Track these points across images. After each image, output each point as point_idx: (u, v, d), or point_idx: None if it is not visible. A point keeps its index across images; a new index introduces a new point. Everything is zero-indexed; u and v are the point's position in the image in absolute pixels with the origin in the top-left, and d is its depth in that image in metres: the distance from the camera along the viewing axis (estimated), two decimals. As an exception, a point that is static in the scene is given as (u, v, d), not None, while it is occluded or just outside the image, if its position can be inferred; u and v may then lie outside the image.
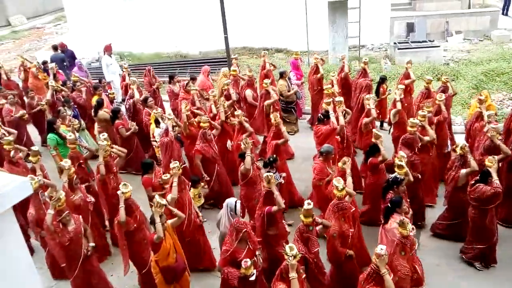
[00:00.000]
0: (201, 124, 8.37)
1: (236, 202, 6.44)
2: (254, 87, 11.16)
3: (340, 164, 6.84)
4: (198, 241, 7.13)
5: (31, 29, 26.63)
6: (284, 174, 7.86)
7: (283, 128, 8.26)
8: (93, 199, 7.56)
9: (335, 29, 15.37)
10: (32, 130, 11.49)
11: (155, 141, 9.53)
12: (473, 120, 8.47)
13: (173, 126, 8.64)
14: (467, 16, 17.50)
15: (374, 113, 8.61)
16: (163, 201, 5.85)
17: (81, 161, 8.19)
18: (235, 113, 8.95)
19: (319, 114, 8.63)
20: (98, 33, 19.05)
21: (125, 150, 8.62)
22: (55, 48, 15.12)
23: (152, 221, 5.80)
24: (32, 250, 7.79)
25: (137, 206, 6.58)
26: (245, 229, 5.62)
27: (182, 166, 7.00)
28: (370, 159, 7.47)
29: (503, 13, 18.63)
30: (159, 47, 18.99)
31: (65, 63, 14.44)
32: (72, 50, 15.48)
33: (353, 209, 6.25)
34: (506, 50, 15.46)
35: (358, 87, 10.36)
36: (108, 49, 13.72)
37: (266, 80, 10.24)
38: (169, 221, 6.05)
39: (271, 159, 7.65)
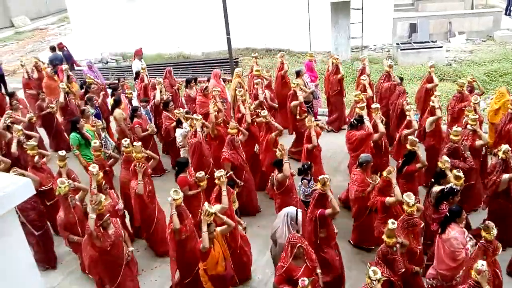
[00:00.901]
0: (229, 131, 8.09)
1: (297, 211, 6.12)
2: (272, 88, 11.08)
3: (385, 173, 6.43)
4: (243, 250, 6.80)
5: (35, 30, 26.71)
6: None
7: (313, 133, 7.94)
8: (122, 206, 7.43)
9: (337, 30, 15.37)
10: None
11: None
12: (505, 121, 8.10)
13: (201, 127, 8.44)
14: (470, 17, 17.46)
15: (415, 125, 8.12)
16: (212, 209, 5.59)
17: (106, 169, 8.05)
18: (261, 113, 8.69)
19: (352, 120, 8.24)
20: (101, 34, 19.15)
21: (157, 156, 8.36)
22: (52, 49, 15.15)
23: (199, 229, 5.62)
24: (54, 260, 7.76)
25: (187, 213, 6.34)
26: (299, 244, 5.30)
27: (227, 175, 6.62)
28: (406, 167, 7.12)
29: (506, 14, 18.61)
30: (162, 48, 19.02)
31: (63, 63, 14.39)
32: (69, 51, 15.49)
33: (423, 224, 5.97)
34: (509, 50, 15.43)
35: (384, 91, 10.00)
36: (138, 53, 13.36)
37: (295, 81, 10.04)
38: (218, 229, 5.84)
39: (305, 166, 7.38)
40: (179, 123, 9.17)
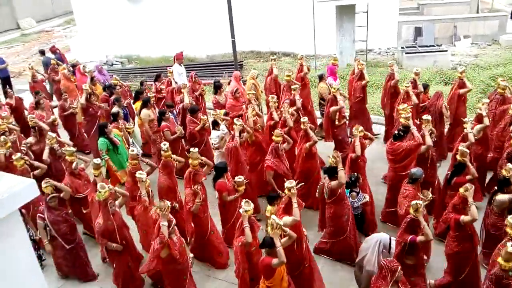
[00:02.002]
0: (274, 138, 7.73)
1: (390, 238, 5.92)
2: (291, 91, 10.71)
3: (461, 190, 6.12)
4: (307, 268, 6.35)
5: (41, 32, 26.88)
6: (367, 197, 7.40)
7: (357, 142, 7.54)
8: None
9: (342, 33, 15.37)
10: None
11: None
12: None
13: (240, 132, 8.13)
14: (475, 21, 17.43)
15: (472, 138, 7.61)
16: (281, 222, 5.28)
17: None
18: (301, 119, 8.28)
19: (397, 131, 7.77)
20: (107, 36, 19.25)
21: (183, 160, 8.11)
22: (42, 52, 15.21)
23: (268, 244, 5.29)
24: (91, 274, 7.41)
25: (258, 225, 6.11)
26: (400, 268, 5.08)
27: (298, 186, 6.17)
28: (455, 178, 6.95)
29: (511, 18, 18.53)
30: (167, 50, 19.04)
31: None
32: (62, 54, 15.47)
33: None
34: (514, 54, 15.37)
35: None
36: (179, 58, 12.84)
37: (334, 85, 9.69)
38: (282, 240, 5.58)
39: (353, 178, 7.07)
40: (215, 125, 9.02)
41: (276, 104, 9.28)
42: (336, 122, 9.20)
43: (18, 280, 2.98)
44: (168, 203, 5.97)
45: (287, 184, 5.99)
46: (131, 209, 7.48)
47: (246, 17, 16.52)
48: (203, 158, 7.47)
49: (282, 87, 10.75)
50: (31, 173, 7.86)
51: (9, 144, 8.24)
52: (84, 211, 7.79)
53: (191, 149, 7.24)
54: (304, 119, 8.24)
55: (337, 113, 9.13)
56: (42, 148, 8.61)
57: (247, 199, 5.95)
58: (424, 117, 7.81)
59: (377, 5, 15.32)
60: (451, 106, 9.59)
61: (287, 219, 5.80)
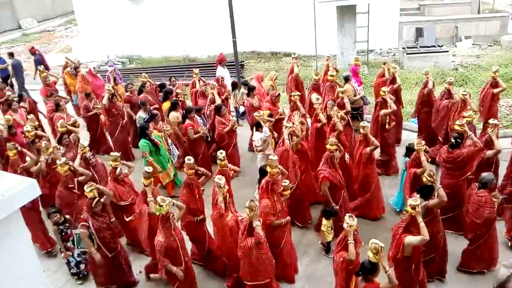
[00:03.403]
0: (328, 147, 7.21)
1: None
2: (320, 91, 10.39)
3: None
4: None
5: (42, 32, 26.93)
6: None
7: (423, 157, 7.03)
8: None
9: (343, 34, 15.36)
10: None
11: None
12: None
13: (289, 136, 7.80)
14: (477, 21, 17.41)
15: (497, 145, 7.33)
16: (381, 244, 4.90)
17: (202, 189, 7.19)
18: (361, 124, 7.84)
19: (453, 139, 7.33)
20: (108, 36, 19.27)
21: (209, 173, 7.50)
22: (11, 54, 15.02)
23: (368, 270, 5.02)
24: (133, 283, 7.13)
25: (360, 241, 5.74)
26: None
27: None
28: None
29: (513, 18, 18.55)
30: (168, 50, 19.11)
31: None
32: (41, 55, 15.26)
33: None
34: (515, 55, 15.36)
35: (442, 108, 9.22)
36: (223, 60, 12.47)
37: (384, 88, 9.21)
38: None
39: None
40: (258, 127, 8.80)
41: (322, 105, 8.86)
42: (387, 126, 8.96)
43: (19, 281, 2.98)
44: (256, 202, 5.85)
45: (411, 202, 5.53)
46: (187, 225, 6.96)
47: (247, 18, 16.53)
48: (202, 168, 7.24)
49: (323, 87, 10.36)
50: (75, 179, 7.45)
51: (50, 149, 7.89)
52: (127, 219, 7.41)
53: (219, 153, 7.08)
54: (364, 123, 7.82)
55: (387, 117, 8.88)
56: (73, 157, 8.21)
57: (350, 214, 5.63)
58: (491, 121, 7.54)
59: (378, 5, 15.33)
60: (484, 105, 9.48)
61: (414, 238, 5.50)
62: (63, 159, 7.39)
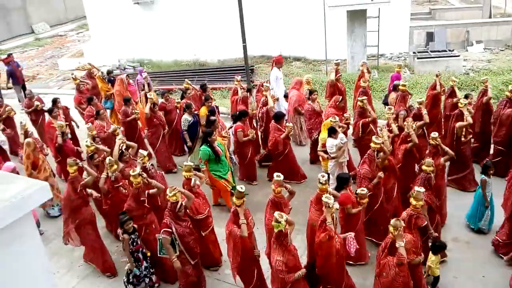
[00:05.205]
0: (424, 168, 6.69)
1: None
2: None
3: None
4: None
5: (54, 37, 27.25)
6: None
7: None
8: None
9: (353, 38, 15.35)
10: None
11: (324, 151, 8.49)
12: None
13: (376, 152, 7.21)
14: (488, 26, 17.31)
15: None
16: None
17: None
18: (432, 135, 7.35)
19: None
20: (119, 41, 19.44)
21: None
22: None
23: None
24: None
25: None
26: None
27: None
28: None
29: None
30: (178, 55, 19.22)
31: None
32: (16, 65, 14.97)
33: None
34: (528, 60, 15.22)
35: (506, 118, 8.75)
36: (279, 61, 11.68)
37: (462, 100, 8.63)
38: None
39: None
40: (332, 132, 8.27)
41: (394, 115, 8.57)
42: (463, 139, 8.47)
43: (30, 283, 3.01)
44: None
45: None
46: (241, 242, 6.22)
47: (257, 22, 16.58)
48: (288, 186, 6.65)
49: (396, 97, 9.78)
50: (146, 192, 6.94)
51: (115, 167, 7.33)
52: (203, 234, 6.98)
53: (320, 177, 6.35)
54: (435, 134, 7.35)
55: (463, 129, 8.43)
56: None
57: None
58: None
59: (388, 10, 15.28)
60: None
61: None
62: (137, 169, 6.84)
